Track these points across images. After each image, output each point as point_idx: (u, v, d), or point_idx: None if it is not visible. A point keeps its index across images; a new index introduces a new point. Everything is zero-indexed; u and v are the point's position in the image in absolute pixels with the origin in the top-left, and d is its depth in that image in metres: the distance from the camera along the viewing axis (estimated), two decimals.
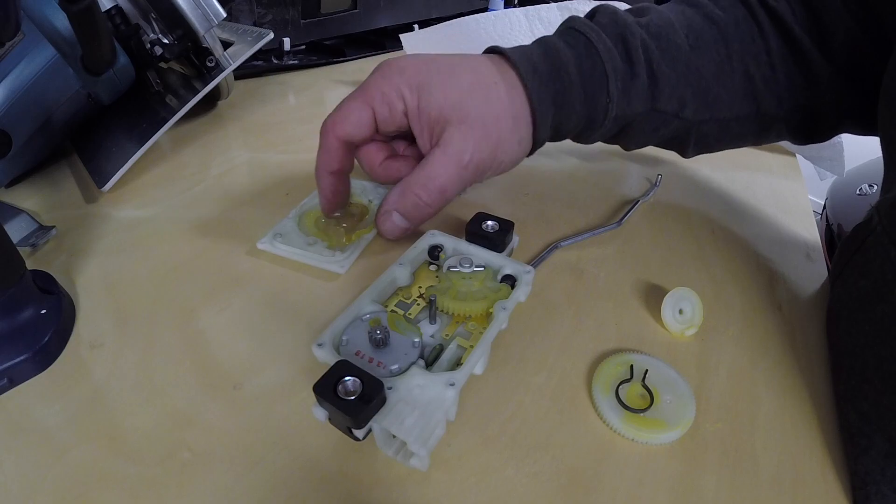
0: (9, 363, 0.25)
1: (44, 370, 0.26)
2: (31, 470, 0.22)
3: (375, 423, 0.21)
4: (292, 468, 0.22)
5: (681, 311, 0.29)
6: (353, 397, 0.20)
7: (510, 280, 0.28)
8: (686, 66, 0.32)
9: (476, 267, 0.28)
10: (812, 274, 0.35)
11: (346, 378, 0.20)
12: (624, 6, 0.34)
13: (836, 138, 0.47)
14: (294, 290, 0.31)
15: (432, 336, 0.25)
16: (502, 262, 0.28)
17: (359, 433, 0.21)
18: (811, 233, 0.39)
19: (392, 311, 0.26)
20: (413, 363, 0.23)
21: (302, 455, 0.23)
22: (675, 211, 0.39)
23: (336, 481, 0.22)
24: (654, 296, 0.31)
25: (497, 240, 0.30)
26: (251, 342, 0.27)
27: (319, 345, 0.23)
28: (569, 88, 0.31)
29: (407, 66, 0.30)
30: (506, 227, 0.30)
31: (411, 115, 0.30)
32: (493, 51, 0.33)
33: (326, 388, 0.20)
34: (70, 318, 0.28)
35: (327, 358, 0.23)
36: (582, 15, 0.34)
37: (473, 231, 0.30)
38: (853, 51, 0.31)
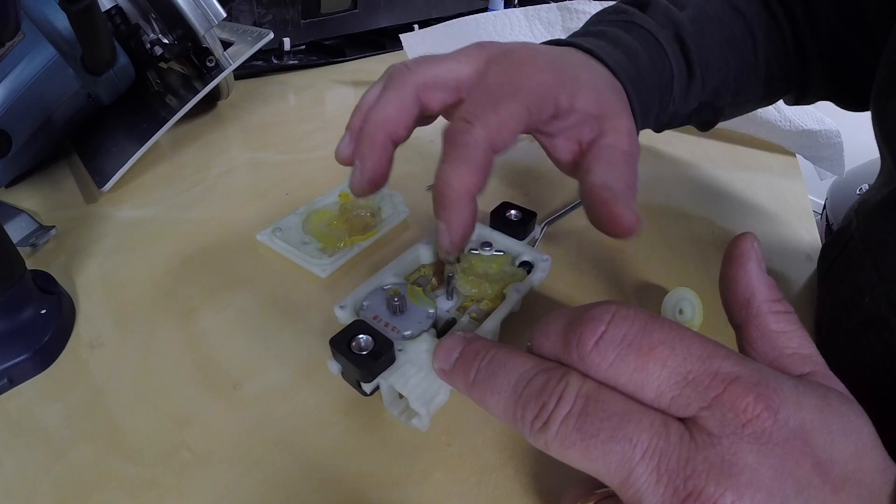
0: (9, 363, 0.25)
1: (44, 370, 0.26)
2: (31, 470, 0.22)
3: (383, 380, 0.22)
4: (292, 468, 0.22)
5: (681, 311, 0.29)
6: (364, 352, 0.21)
7: (527, 266, 0.29)
8: (723, 61, 0.33)
9: (496, 251, 0.29)
10: (812, 274, 0.35)
11: (360, 336, 0.22)
12: None
13: (836, 138, 0.47)
14: (294, 291, 0.31)
15: (447, 311, 0.26)
16: (521, 249, 0.30)
17: (366, 387, 0.22)
18: (811, 233, 0.39)
19: (413, 284, 0.27)
20: (425, 331, 0.24)
21: (302, 455, 0.23)
22: (675, 211, 0.39)
23: (336, 481, 0.22)
24: (654, 296, 0.31)
25: (518, 227, 0.31)
26: (251, 342, 0.27)
27: (341, 306, 0.25)
28: (651, 92, 0.30)
29: (538, 62, 0.23)
30: (527, 216, 0.31)
31: (559, 117, 0.25)
32: (567, 44, 0.28)
33: (341, 343, 0.22)
34: (70, 318, 0.28)
35: (347, 318, 0.24)
36: (581, 14, 0.33)
37: (497, 218, 0.31)
38: (836, 38, 0.33)
